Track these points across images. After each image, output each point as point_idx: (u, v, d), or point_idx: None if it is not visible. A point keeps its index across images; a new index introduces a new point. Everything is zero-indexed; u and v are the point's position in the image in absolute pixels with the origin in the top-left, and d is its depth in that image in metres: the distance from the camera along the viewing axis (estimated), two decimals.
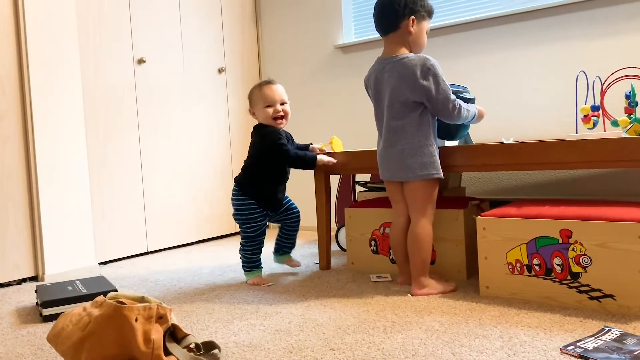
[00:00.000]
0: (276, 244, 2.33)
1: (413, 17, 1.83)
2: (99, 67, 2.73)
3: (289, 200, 2.27)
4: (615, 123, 1.84)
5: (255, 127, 2.18)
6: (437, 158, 1.85)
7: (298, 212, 2.28)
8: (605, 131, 1.89)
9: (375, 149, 2.05)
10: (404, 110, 1.84)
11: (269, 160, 2.12)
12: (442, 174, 1.86)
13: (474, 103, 2.01)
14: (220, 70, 3.39)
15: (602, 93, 1.89)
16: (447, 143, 2.11)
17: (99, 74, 2.73)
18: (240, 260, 2.20)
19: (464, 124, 1.99)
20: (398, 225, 1.97)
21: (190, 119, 3.20)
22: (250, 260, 2.17)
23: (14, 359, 1.46)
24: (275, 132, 2.10)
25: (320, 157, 2.14)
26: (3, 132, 2.33)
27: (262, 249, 2.20)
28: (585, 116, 1.92)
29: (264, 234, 2.17)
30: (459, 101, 1.84)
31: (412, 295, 1.85)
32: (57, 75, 2.48)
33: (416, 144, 1.83)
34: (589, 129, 1.92)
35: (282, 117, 2.12)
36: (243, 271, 2.21)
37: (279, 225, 2.30)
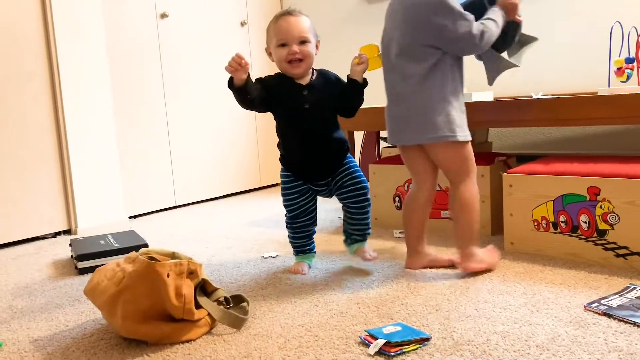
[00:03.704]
0: (343, 229, 1.78)
1: None
2: (122, 23, 2.72)
3: (354, 171, 1.68)
4: None
5: None
6: (457, 118, 1.54)
7: (363, 186, 1.67)
8: (639, 85, 1.83)
9: None
10: (416, 58, 1.53)
11: (276, 117, 1.72)
12: (467, 135, 1.58)
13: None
14: (242, 24, 3.34)
15: (638, 45, 1.82)
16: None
17: (122, 29, 2.72)
18: None
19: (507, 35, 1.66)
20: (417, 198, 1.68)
21: (213, 73, 3.18)
22: (293, 244, 1.77)
23: (53, 309, 1.54)
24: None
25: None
26: (32, 90, 2.36)
27: (308, 233, 1.74)
28: (618, 69, 1.85)
29: (302, 215, 1.70)
30: (479, 26, 1.49)
31: (464, 270, 1.60)
32: (81, 31, 2.48)
33: (430, 101, 1.53)
34: (622, 82, 1.86)
35: (299, 60, 1.59)
36: None
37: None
